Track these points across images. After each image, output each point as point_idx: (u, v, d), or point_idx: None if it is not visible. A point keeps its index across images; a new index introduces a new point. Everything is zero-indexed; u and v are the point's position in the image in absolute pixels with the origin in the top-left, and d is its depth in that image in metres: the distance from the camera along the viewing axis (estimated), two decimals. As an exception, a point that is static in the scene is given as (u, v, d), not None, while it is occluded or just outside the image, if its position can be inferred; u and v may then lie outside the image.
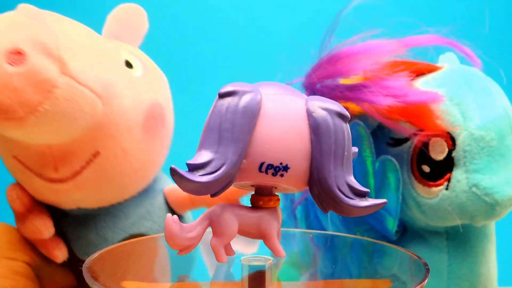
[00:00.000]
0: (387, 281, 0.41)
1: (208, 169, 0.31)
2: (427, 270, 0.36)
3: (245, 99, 0.31)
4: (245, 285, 0.36)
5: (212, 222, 0.35)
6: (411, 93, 0.44)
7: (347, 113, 0.33)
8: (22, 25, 0.42)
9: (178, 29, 0.88)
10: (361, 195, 0.33)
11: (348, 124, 0.33)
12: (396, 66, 0.46)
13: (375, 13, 0.50)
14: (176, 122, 0.58)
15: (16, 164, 0.49)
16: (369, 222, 0.51)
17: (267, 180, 0.33)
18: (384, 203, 0.33)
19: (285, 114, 0.32)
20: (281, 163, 0.32)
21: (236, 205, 0.35)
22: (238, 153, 0.31)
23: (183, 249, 0.35)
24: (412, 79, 0.47)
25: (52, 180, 0.48)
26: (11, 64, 0.41)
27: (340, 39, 0.50)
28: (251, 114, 0.31)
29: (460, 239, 0.49)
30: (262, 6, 0.88)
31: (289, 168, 0.32)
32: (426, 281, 0.35)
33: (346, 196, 0.33)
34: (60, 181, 0.48)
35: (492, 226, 0.50)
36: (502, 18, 0.77)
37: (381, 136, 0.49)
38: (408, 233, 0.52)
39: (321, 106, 0.32)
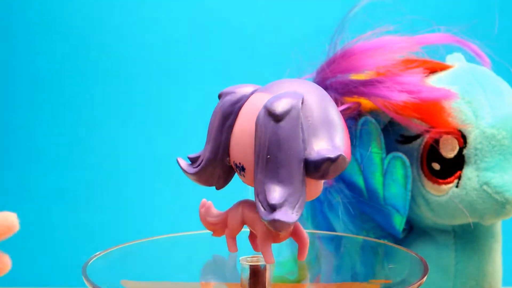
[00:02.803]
0: (386, 281, 0.42)
1: (197, 163, 0.35)
2: (426, 268, 0.36)
3: (222, 101, 0.33)
4: (244, 285, 0.36)
5: (227, 213, 0.37)
6: (425, 90, 0.44)
7: (279, 110, 0.30)
8: None
9: (185, 29, 0.88)
10: (270, 207, 0.30)
11: (283, 123, 0.30)
12: (410, 63, 0.47)
13: (386, 11, 0.50)
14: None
15: None
16: (375, 219, 0.51)
17: (243, 180, 0.33)
18: (287, 222, 0.29)
19: (248, 114, 0.32)
20: (240, 163, 0.32)
21: (251, 202, 0.36)
22: (211, 151, 0.33)
23: (213, 231, 0.38)
24: (426, 76, 0.47)
25: None
26: None
27: (351, 36, 0.50)
28: (224, 115, 0.33)
29: (468, 237, 0.49)
30: (273, 2, 0.88)
31: (245, 168, 0.32)
32: (424, 278, 0.35)
33: (261, 205, 0.30)
34: None
35: (498, 225, 0.50)
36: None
37: (391, 133, 0.49)
38: (414, 231, 0.52)
39: (265, 101, 0.31)
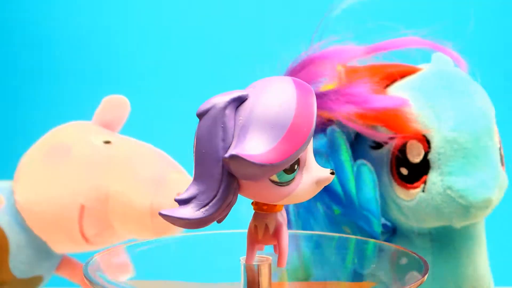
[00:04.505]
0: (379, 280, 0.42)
1: None
2: (426, 268, 0.36)
3: None
4: (243, 285, 0.36)
5: None
6: (374, 99, 0.44)
7: (199, 110, 0.31)
8: None
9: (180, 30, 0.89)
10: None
11: (201, 122, 0.31)
12: (371, 70, 0.47)
13: (362, 16, 0.50)
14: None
15: None
16: (358, 223, 0.51)
17: None
18: (179, 218, 0.30)
19: None
20: None
21: None
22: None
23: None
24: (390, 83, 0.47)
25: None
26: None
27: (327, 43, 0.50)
28: None
29: (444, 240, 0.49)
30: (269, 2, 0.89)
31: None
32: (425, 278, 0.35)
33: None
34: None
35: (479, 228, 0.50)
36: (485, 19, 0.76)
37: (365, 139, 0.50)
38: (397, 234, 0.52)
39: None
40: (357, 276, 0.44)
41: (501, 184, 0.46)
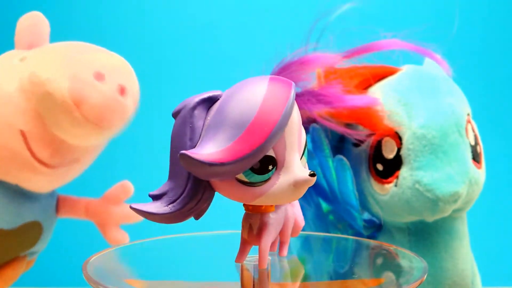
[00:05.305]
0: (380, 279, 0.43)
1: None
2: (425, 267, 0.37)
3: None
4: (243, 285, 0.36)
5: None
6: (345, 99, 0.47)
7: (174, 110, 0.32)
8: None
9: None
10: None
11: (175, 122, 0.32)
12: (349, 72, 0.49)
13: (350, 21, 0.52)
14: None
15: None
16: (345, 219, 0.53)
17: None
18: (146, 212, 0.31)
19: None
20: None
21: None
22: None
23: None
24: (354, 85, 0.49)
25: None
26: None
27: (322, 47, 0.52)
28: None
29: (421, 235, 0.50)
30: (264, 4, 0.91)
31: None
32: (424, 278, 0.36)
33: None
34: None
35: (458, 223, 0.51)
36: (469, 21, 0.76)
37: (349, 138, 0.51)
38: (382, 228, 0.53)
39: None
40: (355, 276, 0.44)
41: (473, 179, 0.47)
